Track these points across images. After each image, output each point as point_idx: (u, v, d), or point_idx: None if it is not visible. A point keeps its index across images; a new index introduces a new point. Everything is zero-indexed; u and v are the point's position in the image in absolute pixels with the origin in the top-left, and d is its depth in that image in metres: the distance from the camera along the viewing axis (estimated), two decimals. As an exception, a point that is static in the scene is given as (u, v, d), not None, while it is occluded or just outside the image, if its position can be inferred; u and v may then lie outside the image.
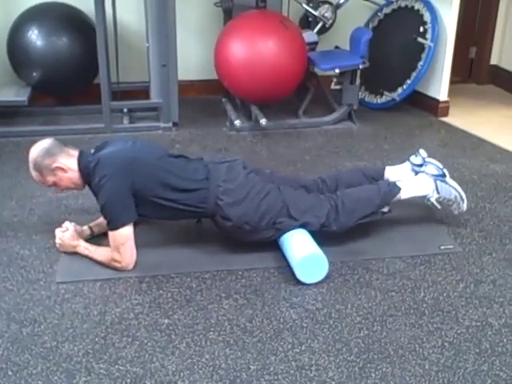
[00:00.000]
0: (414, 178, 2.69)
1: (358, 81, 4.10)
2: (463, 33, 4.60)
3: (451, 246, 2.59)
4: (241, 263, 2.45)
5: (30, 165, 2.40)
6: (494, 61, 5.12)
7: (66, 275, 2.36)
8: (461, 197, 2.65)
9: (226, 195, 2.38)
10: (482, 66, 5.13)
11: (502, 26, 5.00)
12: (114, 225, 2.32)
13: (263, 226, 2.41)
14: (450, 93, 4.33)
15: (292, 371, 1.88)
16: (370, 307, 2.19)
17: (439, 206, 2.66)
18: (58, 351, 1.95)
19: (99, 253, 2.40)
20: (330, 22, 4.41)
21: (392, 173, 2.76)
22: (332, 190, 2.62)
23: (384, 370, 1.89)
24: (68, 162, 2.39)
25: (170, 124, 3.99)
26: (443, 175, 2.66)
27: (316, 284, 2.31)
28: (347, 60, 4.06)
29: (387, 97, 4.38)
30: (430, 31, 4.13)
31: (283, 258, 2.43)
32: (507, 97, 4.86)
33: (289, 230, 2.43)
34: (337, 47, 4.40)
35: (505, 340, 2.03)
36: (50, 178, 2.41)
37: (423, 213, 2.82)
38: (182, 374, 1.86)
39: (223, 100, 4.30)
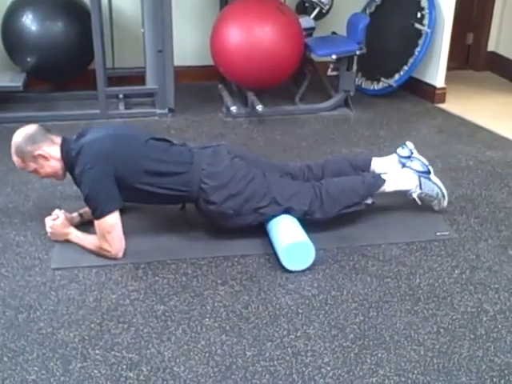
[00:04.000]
0: (399, 173, 2.70)
1: (354, 67, 4.08)
2: (461, 19, 4.57)
3: (447, 233, 2.60)
4: (237, 249, 2.44)
5: (12, 150, 2.38)
6: (491, 47, 5.09)
7: (61, 261, 2.36)
8: (442, 194, 2.68)
9: (210, 179, 2.38)
10: (480, 53, 5.11)
11: (500, 12, 4.97)
12: (98, 214, 2.29)
13: (247, 211, 2.41)
14: (447, 79, 4.31)
15: (288, 357, 1.88)
16: (365, 293, 2.20)
17: (419, 202, 2.68)
18: (53, 337, 1.95)
19: (89, 241, 2.39)
20: (327, 7, 4.38)
21: (379, 164, 2.76)
22: (318, 178, 2.63)
23: (379, 355, 1.90)
24: (51, 150, 2.37)
25: (166, 110, 3.97)
26: (428, 172, 2.68)
27: (312, 270, 2.31)
28: (344, 46, 4.04)
29: (384, 83, 4.36)
30: (427, 17, 4.10)
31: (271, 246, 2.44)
32: (504, 84, 4.84)
33: (272, 216, 2.43)
34: (334, 33, 4.37)
35: (500, 326, 2.03)
36: (32, 165, 2.39)
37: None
38: (177, 360, 1.86)
39: (219, 86, 4.28)
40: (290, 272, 2.31)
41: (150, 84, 4.02)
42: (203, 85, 4.50)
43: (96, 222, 2.32)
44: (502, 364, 1.87)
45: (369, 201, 2.58)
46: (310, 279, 2.27)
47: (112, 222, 2.30)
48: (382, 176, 2.62)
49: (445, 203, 2.70)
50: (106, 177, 2.28)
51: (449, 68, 4.32)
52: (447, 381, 1.80)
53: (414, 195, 2.65)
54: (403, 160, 2.73)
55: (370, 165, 2.76)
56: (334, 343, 1.95)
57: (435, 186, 2.66)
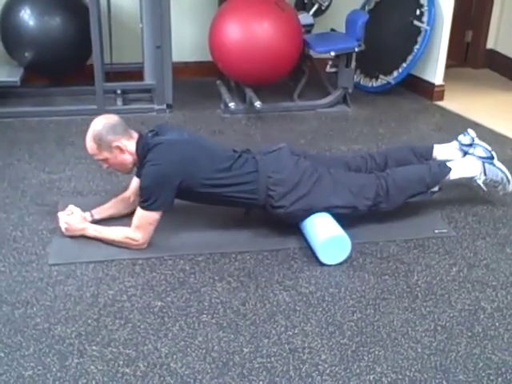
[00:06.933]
0: (463, 160, 2.72)
1: (353, 64, 4.07)
2: (460, 16, 4.57)
3: (445, 230, 2.60)
4: (234, 246, 2.44)
5: (90, 134, 2.38)
6: (490, 45, 5.09)
7: (58, 257, 2.35)
8: (507, 178, 2.69)
9: (277, 186, 2.39)
10: (478, 50, 5.11)
11: (499, 10, 4.96)
12: (147, 206, 2.32)
13: (316, 210, 2.41)
14: (446, 77, 4.31)
15: (285, 354, 1.88)
16: (363, 290, 2.19)
17: (485, 188, 2.70)
18: (50, 333, 1.94)
19: (112, 231, 2.40)
20: (326, 4, 4.37)
21: (440, 151, 2.80)
22: (381, 167, 2.65)
23: (377, 353, 1.89)
24: (128, 144, 2.39)
25: (164, 106, 3.96)
26: (491, 157, 2.70)
27: (309, 267, 2.31)
28: (343, 43, 4.03)
29: (382, 80, 4.36)
30: (426, 14, 4.10)
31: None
32: (503, 81, 4.84)
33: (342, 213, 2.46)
34: (332, 30, 4.37)
35: (497, 324, 2.04)
36: (105, 154, 2.39)
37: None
38: (174, 357, 1.86)
39: (218, 82, 4.27)
40: (288, 269, 2.31)
41: (148, 80, 4.01)
42: (201, 81, 4.48)
43: (140, 211, 2.33)
44: (499, 362, 1.87)
45: (435, 188, 2.61)
46: (307, 276, 2.27)
47: (156, 217, 2.34)
48: (448, 164, 2.63)
49: (510, 187, 2.71)
50: (169, 182, 2.31)
51: (447, 65, 4.32)
52: (444, 378, 1.80)
53: (479, 181, 2.67)
54: (464, 148, 2.76)
55: (432, 152, 2.78)
56: (331, 340, 1.94)
57: (499, 170, 2.68)
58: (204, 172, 2.38)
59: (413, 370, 1.83)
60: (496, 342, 1.95)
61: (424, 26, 4.09)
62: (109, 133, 2.36)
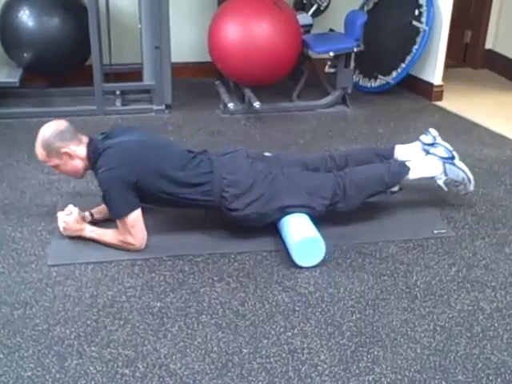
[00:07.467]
0: (423, 160, 2.71)
1: (352, 64, 4.08)
2: (458, 17, 4.58)
3: (444, 231, 2.60)
4: (233, 247, 2.44)
5: (39, 142, 2.37)
6: (488, 45, 5.10)
7: (57, 258, 2.35)
8: (468, 179, 2.68)
9: (231, 187, 2.38)
10: (477, 51, 5.11)
11: (498, 10, 4.97)
12: (116, 215, 2.33)
13: (271, 211, 2.41)
14: (445, 77, 4.31)
15: (284, 354, 1.88)
16: (362, 291, 2.19)
17: (446, 188, 2.69)
18: (49, 334, 1.94)
19: (109, 235, 2.39)
20: (325, 4, 4.38)
21: (402, 152, 2.77)
22: (341, 167, 2.63)
23: (376, 353, 1.89)
24: (77, 150, 2.38)
25: (163, 106, 3.96)
26: (452, 157, 2.69)
27: (308, 267, 2.31)
28: (342, 43, 4.03)
29: (381, 80, 4.36)
30: (425, 14, 4.10)
31: (279, 241, 2.43)
32: (502, 81, 4.85)
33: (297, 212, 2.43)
34: (331, 30, 4.37)
35: (496, 324, 2.04)
36: (55, 160, 2.39)
37: (416, 197, 2.82)
38: (174, 357, 1.86)
39: (216, 83, 4.27)
40: (287, 269, 2.30)
41: (147, 80, 4.01)
42: (200, 81, 4.49)
43: (117, 220, 2.34)
44: (499, 362, 1.87)
45: (395, 188, 2.60)
46: (306, 276, 2.27)
47: (133, 218, 2.32)
48: (407, 163, 2.62)
49: (471, 187, 2.70)
50: (125, 183, 2.29)
51: (446, 66, 4.32)
52: (443, 379, 1.80)
53: (440, 182, 2.66)
54: (427, 147, 2.74)
55: (393, 152, 2.77)
56: (330, 341, 1.94)
57: (460, 170, 2.67)
58: (157, 170, 2.35)
59: (412, 370, 1.83)
60: (495, 343, 1.95)
61: (423, 26, 4.10)
62: (56, 139, 2.35)
